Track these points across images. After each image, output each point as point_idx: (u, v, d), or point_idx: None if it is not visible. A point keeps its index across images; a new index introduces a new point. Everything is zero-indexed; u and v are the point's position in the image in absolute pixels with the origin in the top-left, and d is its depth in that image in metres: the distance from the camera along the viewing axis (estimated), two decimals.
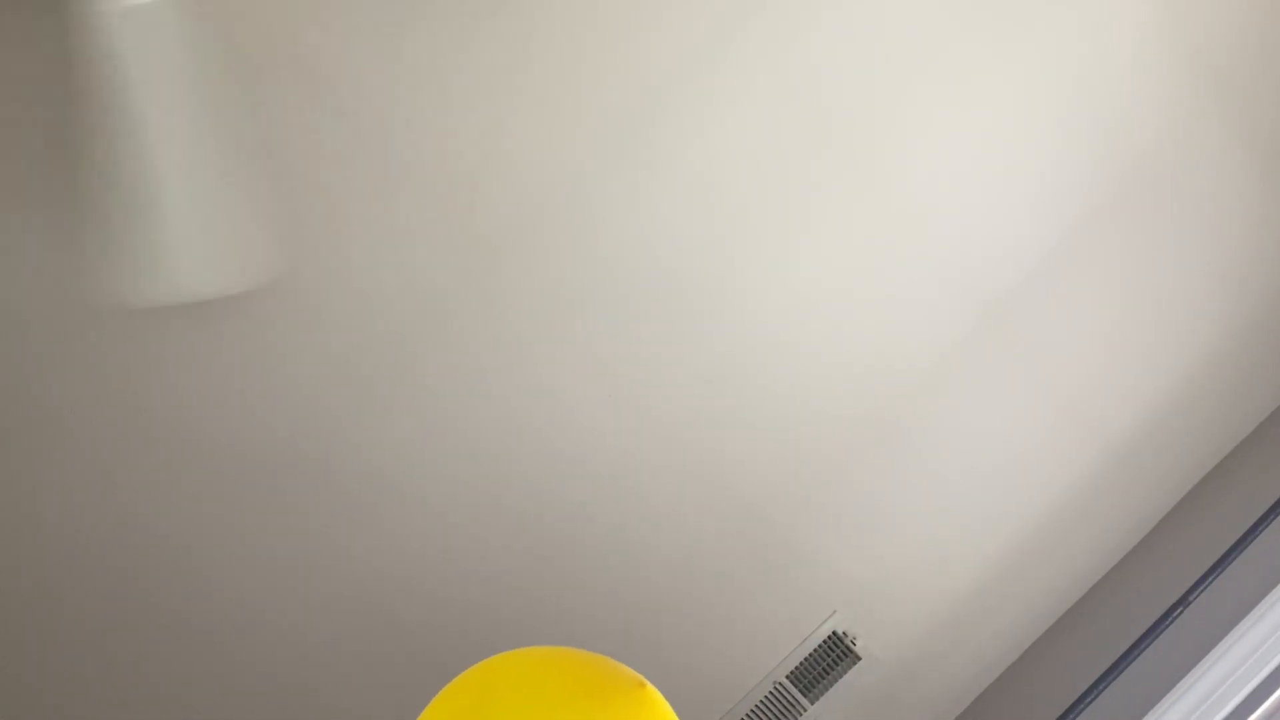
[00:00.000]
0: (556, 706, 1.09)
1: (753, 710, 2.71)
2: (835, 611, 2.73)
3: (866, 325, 2.45)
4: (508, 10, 1.96)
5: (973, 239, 2.43)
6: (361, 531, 2.35)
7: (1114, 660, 2.67)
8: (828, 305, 2.40)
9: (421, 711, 1.13)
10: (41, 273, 1.96)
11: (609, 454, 2.41)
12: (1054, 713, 2.68)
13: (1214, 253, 2.64)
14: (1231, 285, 2.71)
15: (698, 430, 2.44)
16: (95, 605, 2.29)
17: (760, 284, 2.33)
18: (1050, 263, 2.50)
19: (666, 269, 2.26)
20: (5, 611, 2.25)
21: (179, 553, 2.27)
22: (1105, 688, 2.63)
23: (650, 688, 1.13)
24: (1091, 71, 2.33)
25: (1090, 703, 2.63)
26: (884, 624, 2.77)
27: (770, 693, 2.71)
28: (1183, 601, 2.66)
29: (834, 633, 2.73)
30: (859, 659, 2.75)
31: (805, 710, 2.73)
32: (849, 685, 2.76)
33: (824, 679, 2.74)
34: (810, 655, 2.73)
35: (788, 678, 2.72)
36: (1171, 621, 2.64)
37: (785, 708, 2.72)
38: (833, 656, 2.74)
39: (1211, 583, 2.66)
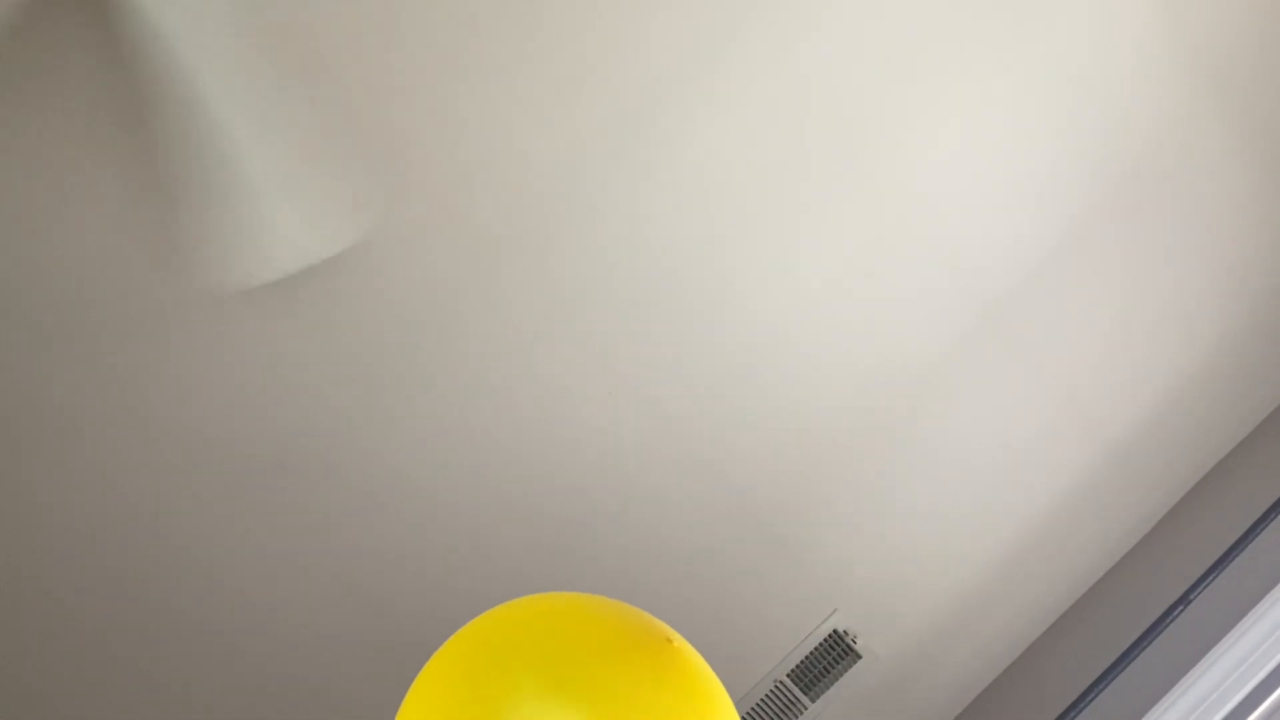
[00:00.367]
0: (569, 664, 0.97)
1: (753, 709, 2.71)
2: (836, 610, 2.73)
3: (867, 324, 2.46)
4: (510, 8, 1.97)
5: (973, 238, 2.44)
6: (368, 528, 2.35)
7: (1114, 659, 2.67)
8: (828, 304, 2.41)
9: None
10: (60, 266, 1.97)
11: (609, 452, 2.41)
12: (1054, 711, 2.68)
13: (1214, 252, 2.65)
14: (1231, 285, 2.71)
15: (699, 428, 2.44)
16: (102, 604, 2.29)
17: (761, 282, 2.34)
18: (1050, 262, 2.50)
19: (669, 267, 2.26)
20: (9, 610, 2.26)
21: (186, 552, 2.28)
22: (1105, 686, 2.63)
23: (679, 643, 1.04)
24: (1091, 71, 2.33)
25: (1090, 701, 2.63)
26: (884, 623, 2.77)
27: (771, 691, 2.72)
28: (1183, 601, 2.66)
29: (834, 631, 2.73)
30: (859, 657, 2.75)
31: (806, 709, 2.74)
32: (850, 684, 2.76)
33: (824, 677, 2.74)
34: (811, 654, 2.73)
35: (788, 676, 2.72)
36: (1172, 621, 2.65)
37: (786, 706, 2.73)
38: (833, 655, 2.74)
39: (1211, 582, 2.66)
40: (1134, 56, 2.35)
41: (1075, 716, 2.64)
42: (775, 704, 2.72)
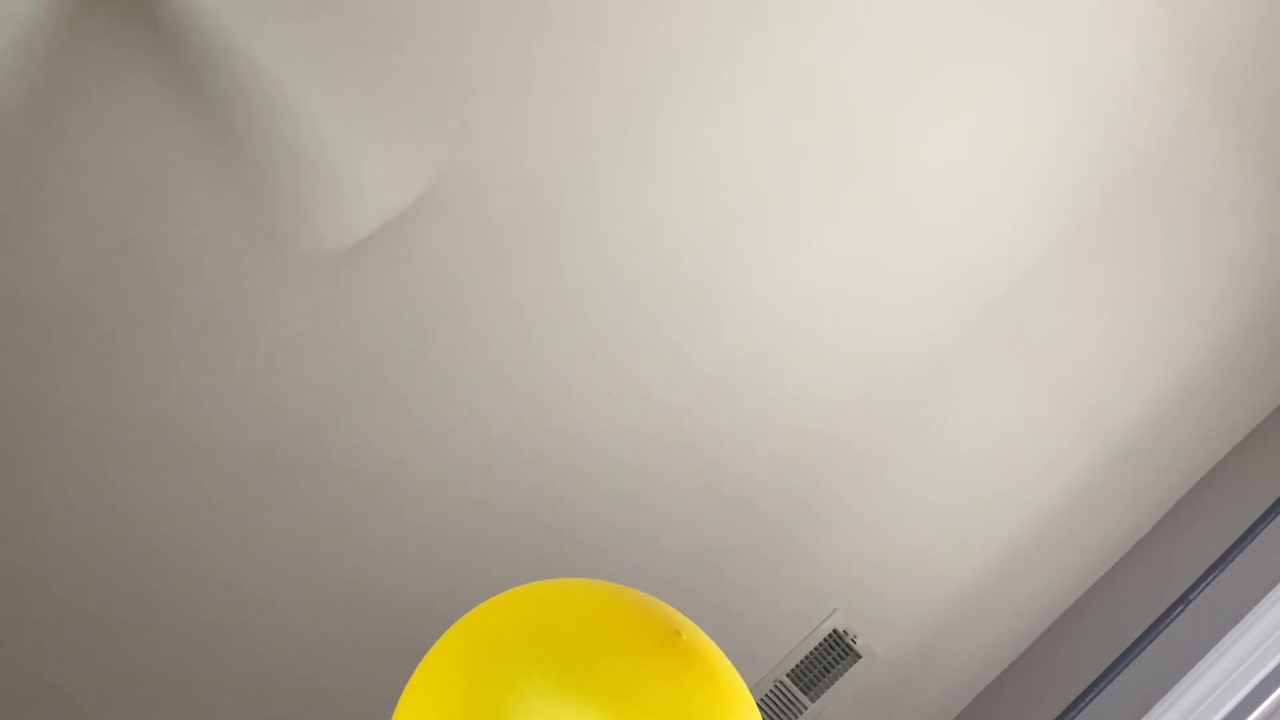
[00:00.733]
0: (575, 657, 0.93)
1: None
2: (836, 610, 2.73)
3: (867, 323, 2.46)
4: (513, 11, 1.97)
5: (973, 237, 2.44)
6: (367, 525, 2.35)
7: (1114, 659, 2.67)
8: (828, 302, 2.41)
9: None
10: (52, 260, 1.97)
11: (610, 450, 2.41)
12: (1055, 711, 2.68)
13: (1214, 252, 2.64)
14: (1231, 284, 2.71)
15: (699, 426, 2.44)
16: (102, 603, 2.29)
17: (762, 281, 2.34)
18: (1051, 261, 2.50)
19: (670, 264, 2.26)
20: (10, 609, 2.26)
21: (185, 548, 2.28)
22: (1105, 686, 2.63)
23: (688, 637, 0.98)
24: (1092, 70, 2.33)
25: (1090, 701, 2.63)
26: (884, 622, 2.77)
27: (771, 691, 2.72)
28: (1183, 600, 2.66)
29: (834, 631, 2.73)
30: (859, 657, 2.75)
31: (805, 708, 2.73)
32: (849, 683, 2.76)
33: (824, 677, 2.74)
34: (811, 653, 2.73)
35: (788, 676, 2.72)
36: (1171, 620, 2.64)
37: (785, 706, 2.73)
38: (833, 655, 2.74)
39: (1211, 582, 2.65)
40: (1134, 56, 2.35)
41: (1075, 716, 2.64)
42: (775, 704, 2.72)
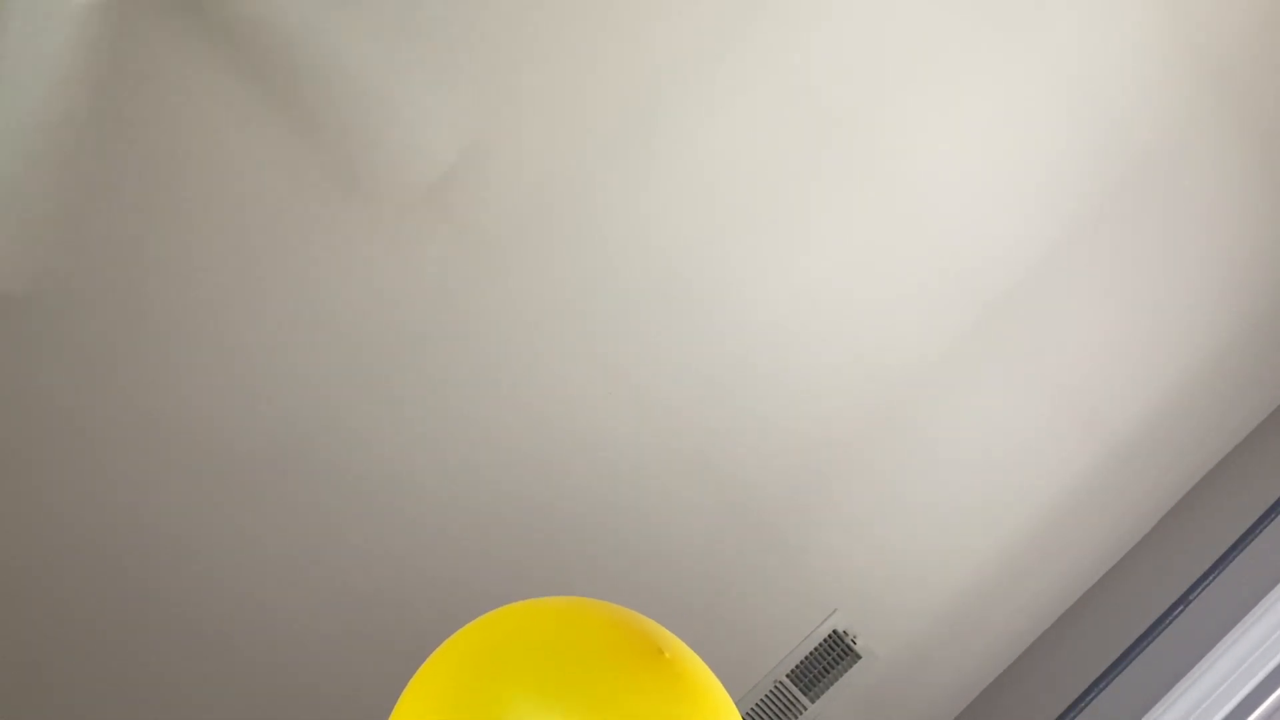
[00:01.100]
0: (562, 674, 0.94)
1: (753, 709, 2.71)
2: (836, 610, 2.73)
3: (867, 324, 2.46)
4: (513, 9, 1.97)
5: (973, 237, 2.44)
6: (368, 526, 2.35)
7: (1114, 659, 2.67)
8: (828, 303, 2.41)
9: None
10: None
11: (609, 451, 2.41)
12: (1054, 711, 2.68)
13: (1214, 252, 2.64)
14: (1231, 284, 2.71)
15: (699, 427, 2.44)
16: (102, 603, 2.29)
17: (761, 281, 2.34)
18: (1051, 262, 2.50)
19: (669, 266, 2.26)
20: (10, 609, 2.26)
21: (185, 549, 2.28)
22: (1105, 686, 2.63)
23: (670, 655, 0.98)
24: (1091, 71, 2.33)
25: (1090, 701, 2.63)
26: (884, 623, 2.77)
27: (770, 691, 2.72)
28: (1183, 600, 2.66)
29: (834, 631, 2.73)
30: (859, 658, 2.75)
31: (805, 709, 2.73)
32: (849, 684, 2.76)
33: (824, 678, 2.74)
34: (811, 654, 2.73)
35: (788, 676, 2.72)
36: (1172, 620, 2.64)
37: (785, 706, 2.73)
38: (833, 655, 2.74)
39: (1212, 582, 2.65)
40: (1134, 57, 2.35)
41: (1075, 716, 2.64)
42: (775, 704, 2.72)
